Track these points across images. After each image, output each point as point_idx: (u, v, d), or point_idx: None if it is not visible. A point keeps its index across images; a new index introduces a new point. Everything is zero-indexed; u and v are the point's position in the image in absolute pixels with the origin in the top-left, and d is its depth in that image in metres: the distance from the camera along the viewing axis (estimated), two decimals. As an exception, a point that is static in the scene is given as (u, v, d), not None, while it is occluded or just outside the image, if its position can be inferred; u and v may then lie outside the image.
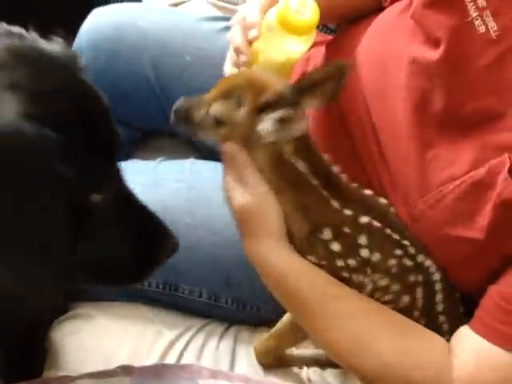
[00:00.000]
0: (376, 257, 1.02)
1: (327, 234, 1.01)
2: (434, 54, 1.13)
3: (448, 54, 1.12)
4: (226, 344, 1.27)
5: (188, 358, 1.15)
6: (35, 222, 0.79)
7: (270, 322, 1.31)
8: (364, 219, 1.02)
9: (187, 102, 1.04)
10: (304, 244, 1.03)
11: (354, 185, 1.08)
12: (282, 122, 0.97)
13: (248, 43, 1.18)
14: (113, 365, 0.92)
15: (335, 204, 1.01)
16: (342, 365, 1.09)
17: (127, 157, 1.55)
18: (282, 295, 1.07)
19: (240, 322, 1.34)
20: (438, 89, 1.12)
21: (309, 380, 1.25)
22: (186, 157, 1.48)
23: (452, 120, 1.10)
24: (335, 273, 1.03)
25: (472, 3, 1.11)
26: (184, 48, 1.52)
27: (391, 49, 1.20)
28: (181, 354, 1.20)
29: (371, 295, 1.05)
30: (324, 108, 1.25)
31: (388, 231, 1.03)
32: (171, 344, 1.23)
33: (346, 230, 1.01)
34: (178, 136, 1.58)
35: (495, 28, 1.10)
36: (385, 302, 1.05)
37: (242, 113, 1.00)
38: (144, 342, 1.22)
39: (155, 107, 1.53)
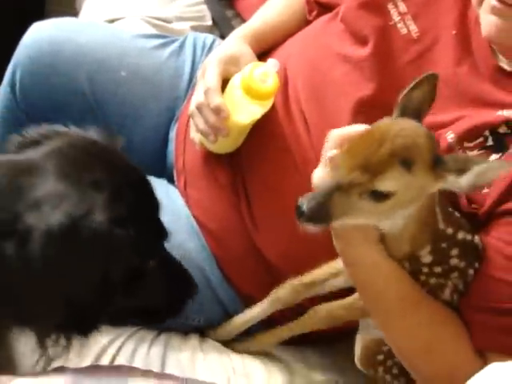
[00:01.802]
0: (463, 264, 1.08)
1: (426, 250, 1.06)
2: (363, 51, 1.26)
3: (376, 50, 1.25)
4: (157, 349, 1.30)
5: (120, 362, 1.18)
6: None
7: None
8: (461, 235, 1.06)
9: (317, 199, 0.95)
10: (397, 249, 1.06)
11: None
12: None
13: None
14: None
15: (441, 225, 1.04)
16: (408, 366, 1.12)
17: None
18: (369, 294, 1.11)
19: (170, 329, 1.37)
20: (370, 81, 1.22)
21: (233, 369, 1.31)
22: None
23: (384, 108, 1.19)
24: (414, 275, 1.08)
25: (394, 9, 1.26)
26: (120, 64, 1.56)
27: (324, 51, 1.31)
28: (113, 358, 1.23)
29: (450, 297, 1.10)
30: (259, 124, 1.33)
31: (475, 240, 1.09)
32: (104, 349, 1.25)
33: (443, 245, 1.06)
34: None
35: (416, 30, 1.25)
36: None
37: (419, 175, 0.94)
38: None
39: (91, 121, 1.55)
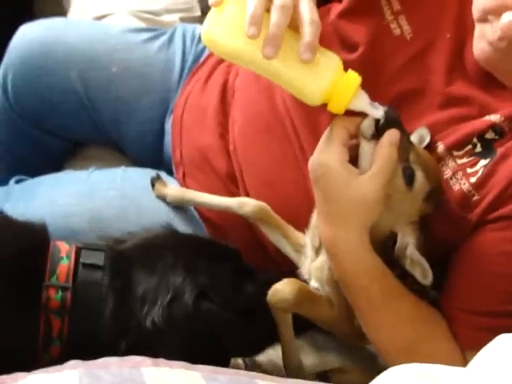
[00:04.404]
0: None
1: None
2: (350, 56, 1.22)
3: (365, 55, 1.22)
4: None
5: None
6: None
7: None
8: None
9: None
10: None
11: None
12: None
13: None
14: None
15: None
16: (387, 361, 1.12)
17: (60, 168, 1.60)
18: (353, 288, 1.11)
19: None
20: None
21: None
22: (118, 165, 1.53)
23: None
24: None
25: (388, 7, 1.22)
26: (110, 60, 1.57)
27: None
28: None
29: None
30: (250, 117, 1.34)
31: None
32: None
33: None
34: (108, 145, 1.63)
35: (409, 31, 1.21)
36: None
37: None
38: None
39: (85, 118, 1.58)
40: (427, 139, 1.15)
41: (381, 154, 1.05)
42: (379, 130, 1.05)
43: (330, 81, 1.03)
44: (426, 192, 1.10)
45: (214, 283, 1.12)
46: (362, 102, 1.05)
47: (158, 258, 1.13)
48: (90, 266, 1.11)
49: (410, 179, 1.08)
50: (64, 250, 1.12)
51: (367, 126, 1.06)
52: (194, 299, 1.08)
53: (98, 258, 1.12)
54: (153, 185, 1.42)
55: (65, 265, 1.10)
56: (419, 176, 1.09)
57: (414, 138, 1.14)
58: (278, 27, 0.99)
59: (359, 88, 1.04)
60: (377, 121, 1.05)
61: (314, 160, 1.08)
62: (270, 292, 1.14)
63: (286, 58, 1.02)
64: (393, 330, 1.11)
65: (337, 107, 1.04)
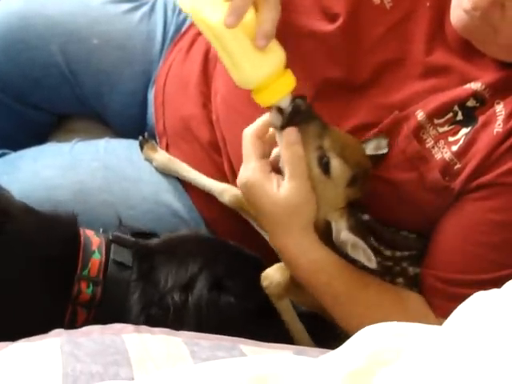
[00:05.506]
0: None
1: None
2: (331, 27, 1.21)
3: (345, 25, 1.21)
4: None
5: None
6: None
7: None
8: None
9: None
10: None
11: None
12: None
13: None
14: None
15: None
16: None
17: (43, 140, 1.59)
18: (314, 287, 1.14)
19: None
20: (337, 60, 1.21)
21: None
22: (102, 137, 1.52)
23: (348, 83, 1.20)
24: None
25: None
26: (91, 32, 1.55)
27: (291, 24, 1.27)
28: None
29: None
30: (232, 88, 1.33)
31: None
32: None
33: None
34: (92, 117, 1.63)
35: (389, 0, 1.20)
36: None
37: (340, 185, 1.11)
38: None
39: (67, 92, 1.57)
40: (384, 150, 1.15)
41: (285, 157, 1.07)
42: (288, 120, 1.06)
43: (270, 73, 1.05)
44: (347, 177, 1.10)
45: (232, 276, 1.16)
46: (286, 103, 1.07)
47: (181, 248, 1.20)
48: (120, 263, 1.16)
49: (326, 167, 1.08)
50: (95, 244, 1.16)
51: (275, 118, 1.07)
52: (210, 287, 1.12)
53: (127, 256, 1.17)
54: (141, 147, 1.42)
55: (97, 259, 1.14)
56: (335, 162, 1.08)
57: (370, 145, 1.15)
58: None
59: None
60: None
61: (239, 179, 1.12)
62: (262, 276, 1.15)
63: (238, 33, 1.03)
64: (361, 317, 1.12)
65: (265, 100, 1.07)
